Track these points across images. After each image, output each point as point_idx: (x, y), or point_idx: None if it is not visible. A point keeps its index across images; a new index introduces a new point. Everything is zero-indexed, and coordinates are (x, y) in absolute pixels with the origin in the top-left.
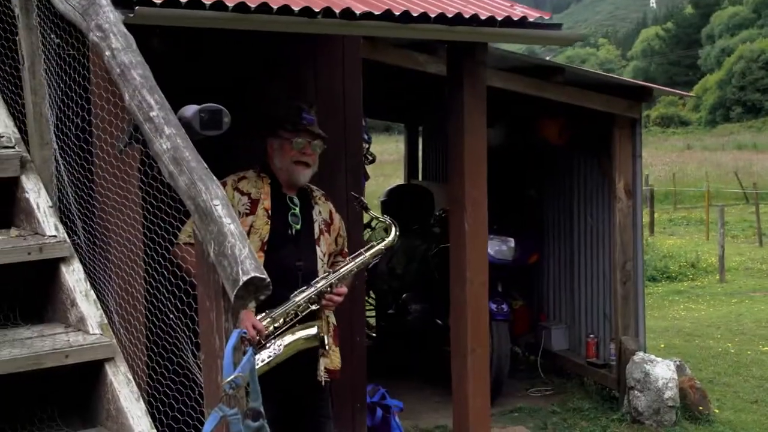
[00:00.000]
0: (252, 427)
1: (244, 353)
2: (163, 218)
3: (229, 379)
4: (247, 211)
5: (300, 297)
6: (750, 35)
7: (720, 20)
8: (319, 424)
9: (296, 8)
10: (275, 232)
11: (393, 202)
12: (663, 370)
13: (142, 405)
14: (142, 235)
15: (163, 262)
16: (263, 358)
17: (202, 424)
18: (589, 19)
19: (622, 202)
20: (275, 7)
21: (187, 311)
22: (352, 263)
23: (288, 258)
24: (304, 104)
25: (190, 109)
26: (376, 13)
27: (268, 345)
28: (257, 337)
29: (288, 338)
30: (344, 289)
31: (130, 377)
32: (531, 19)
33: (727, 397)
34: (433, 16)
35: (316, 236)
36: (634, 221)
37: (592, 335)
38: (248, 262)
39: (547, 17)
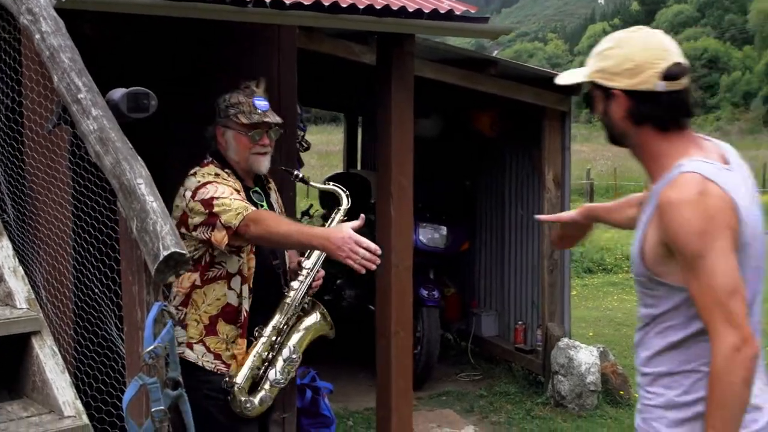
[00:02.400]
0: (171, 396)
1: (164, 325)
2: (90, 196)
3: (149, 349)
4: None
5: (296, 298)
6: (694, 33)
7: (665, 18)
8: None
9: None
10: None
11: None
12: (586, 356)
13: (67, 377)
14: (70, 212)
15: (89, 239)
16: (284, 375)
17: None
18: (538, 14)
19: (551, 193)
20: None
21: (112, 286)
22: None
23: (266, 258)
24: (252, 86)
25: (117, 92)
26: (306, 3)
27: (279, 358)
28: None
29: (295, 337)
30: (322, 272)
31: (56, 350)
32: (458, 12)
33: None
34: (361, 7)
35: None
36: (562, 211)
37: (520, 322)
38: (169, 238)
39: (473, 11)
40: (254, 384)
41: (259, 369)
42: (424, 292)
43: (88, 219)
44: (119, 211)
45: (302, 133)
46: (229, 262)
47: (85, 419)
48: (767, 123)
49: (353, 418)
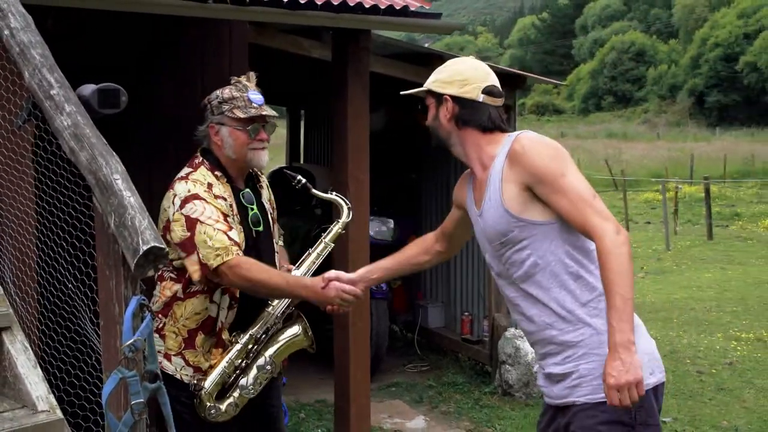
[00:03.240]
0: (149, 388)
1: (143, 319)
2: (63, 192)
3: (128, 342)
4: (234, 216)
5: (278, 308)
6: (621, 27)
7: (593, 12)
8: (271, 414)
9: None
10: (245, 237)
11: (275, 183)
12: None
13: (39, 371)
14: (34, 209)
15: (61, 234)
16: (255, 384)
17: (98, 388)
18: (468, 7)
19: None
20: None
21: (86, 281)
22: (315, 253)
23: None
24: (243, 80)
25: (88, 88)
26: None
27: (253, 366)
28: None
29: (273, 348)
30: None
31: (27, 345)
32: (412, 8)
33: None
34: (319, 3)
35: (272, 230)
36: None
37: (466, 313)
38: (148, 233)
39: (428, 6)
40: (223, 390)
41: (230, 376)
42: (372, 285)
43: (60, 214)
44: (95, 206)
45: None
46: None
47: (59, 413)
48: (693, 115)
49: (305, 410)
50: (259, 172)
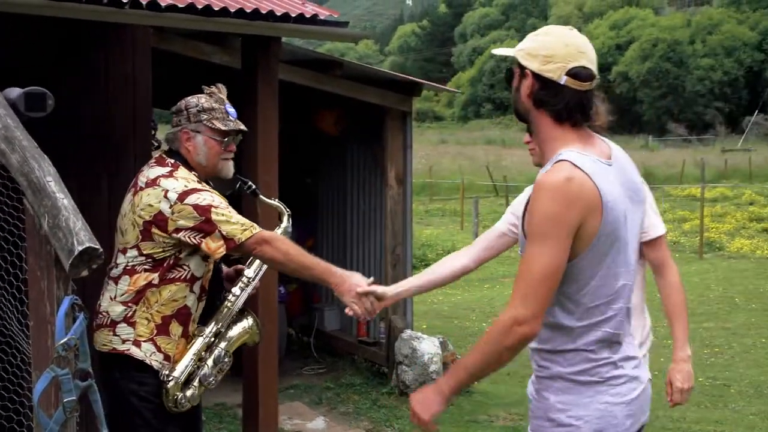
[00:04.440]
0: (81, 386)
1: (74, 319)
2: None
3: (62, 341)
4: None
5: (237, 303)
6: (499, 36)
7: (472, 20)
8: (198, 414)
9: None
10: None
11: None
12: (429, 346)
13: None
14: None
15: None
16: (214, 375)
17: (22, 388)
18: (347, 14)
19: (393, 190)
20: None
21: (14, 281)
22: None
23: (216, 262)
24: (217, 92)
25: (14, 91)
26: (180, 5)
27: (211, 358)
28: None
29: (228, 340)
30: (258, 283)
31: None
32: (322, 17)
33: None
34: (233, 10)
35: None
36: (404, 208)
37: None
38: (82, 234)
39: (336, 15)
40: (186, 381)
41: (194, 367)
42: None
43: None
44: (27, 208)
45: (154, 132)
46: (195, 265)
47: None
48: None
49: (204, 413)
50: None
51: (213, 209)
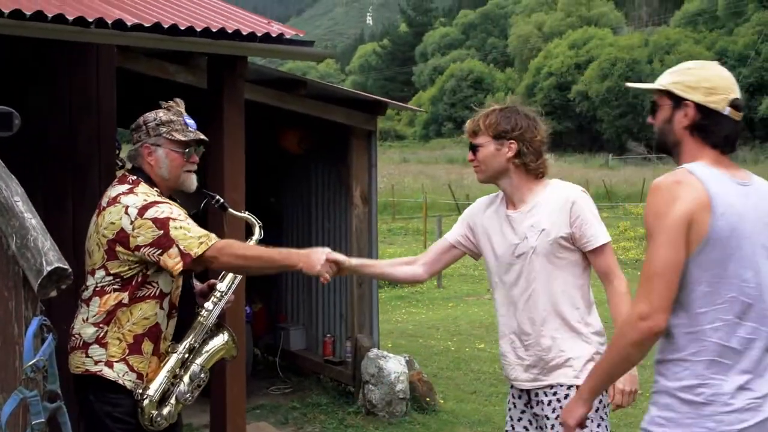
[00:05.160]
0: (50, 408)
1: (43, 340)
2: None
3: (31, 362)
4: None
5: (209, 318)
6: (459, 55)
7: (432, 40)
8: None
9: (70, 18)
10: None
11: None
12: (395, 365)
13: None
14: None
15: None
16: (191, 392)
17: None
18: (309, 33)
19: (359, 209)
20: (50, 15)
21: None
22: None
23: (186, 278)
24: (175, 106)
25: None
26: (146, 25)
27: (187, 375)
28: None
29: (204, 356)
30: (233, 296)
31: None
32: (288, 36)
33: (450, 389)
34: (199, 30)
35: None
36: (369, 227)
37: (328, 335)
38: (51, 254)
39: (302, 35)
40: (162, 399)
41: (170, 384)
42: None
43: None
44: None
45: (117, 151)
46: (163, 281)
47: None
48: None
49: None
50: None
51: (171, 221)
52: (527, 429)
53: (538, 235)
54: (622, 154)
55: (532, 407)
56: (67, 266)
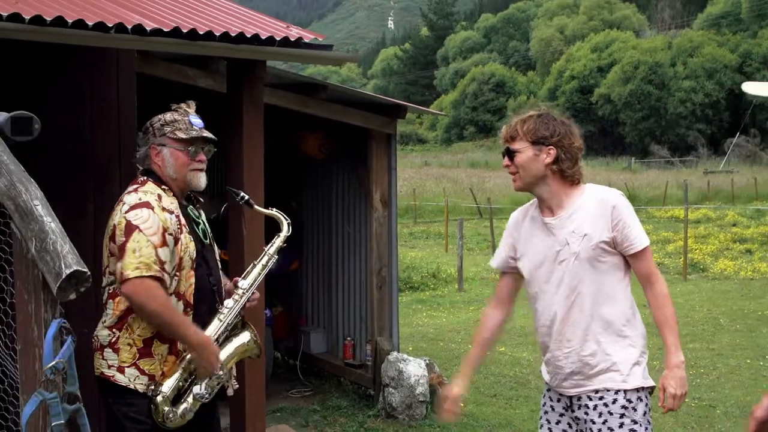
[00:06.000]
0: (69, 410)
1: (62, 342)
2: None
3: (50, 364)
4: (178, 230)
5: (229, 316)
6: (481, 59)
7: (454, 43)
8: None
9: (90, 23)
10: (195, 246)
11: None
12: (415, 368)
13: None
14: None
15: None
16: (208, 390)
17: (9, 413)
18: (330, 37)
19: (379, 212)
20: (70, 21)
21: (1, 305)
22: (260, 265)
23: (204, 275)
24: (184, 107)
25: (0, 116)
26: (166, 30)
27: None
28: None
29: (223, 354)
30: (257, 294)
31: None
32: (306, 40)
33: (470, 393)
34: (218, 34)
35: (214, 245)
36: (389, 230)
37: (349, 338)
38: (70, 257)
39: (321, 38)
40: (178, 396)
41: (185, 381)
42: None
43: None
44: (14, 231)
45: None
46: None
47: None
48: None
49: None
50: (196, 195)
51: (136, 232)
52: None
53: (580, 240)
54: (644, 158)
55: (573, 411)
56: (85, 269)
